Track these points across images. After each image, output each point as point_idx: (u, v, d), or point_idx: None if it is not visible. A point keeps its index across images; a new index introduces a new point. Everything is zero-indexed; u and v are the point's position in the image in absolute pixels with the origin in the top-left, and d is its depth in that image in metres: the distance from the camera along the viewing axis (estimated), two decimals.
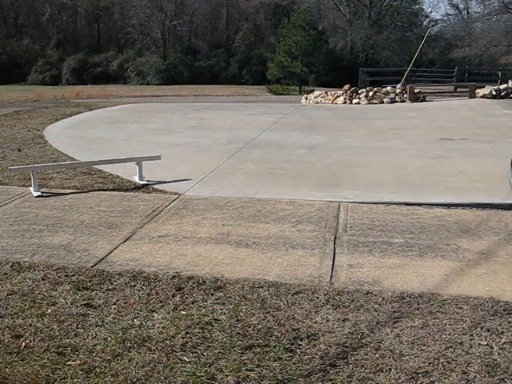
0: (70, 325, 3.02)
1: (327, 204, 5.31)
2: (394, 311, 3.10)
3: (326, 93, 18.78)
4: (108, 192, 5.92)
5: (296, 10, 45.29)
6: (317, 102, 18.69)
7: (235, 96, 26.21)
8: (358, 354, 2.69)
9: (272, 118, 12.62)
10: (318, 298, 3.28)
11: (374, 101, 17.20)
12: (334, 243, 4.22)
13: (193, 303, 3.25)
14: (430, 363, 2.60)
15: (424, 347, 2.73)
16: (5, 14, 60.82)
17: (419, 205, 5.28)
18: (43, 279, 3.63)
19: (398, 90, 17.45)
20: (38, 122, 12.46)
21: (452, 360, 2.62)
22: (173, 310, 3.16)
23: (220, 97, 24.54)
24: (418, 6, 59.30)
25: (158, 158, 6.67)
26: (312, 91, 21.34)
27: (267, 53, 49.51)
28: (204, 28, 61.65)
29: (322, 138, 9.47)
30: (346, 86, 17.94)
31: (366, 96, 17.35)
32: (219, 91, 31.03)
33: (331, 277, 3.60)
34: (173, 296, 3.35)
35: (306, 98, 20.06)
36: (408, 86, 17.50)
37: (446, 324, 2.95)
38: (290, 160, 7.53)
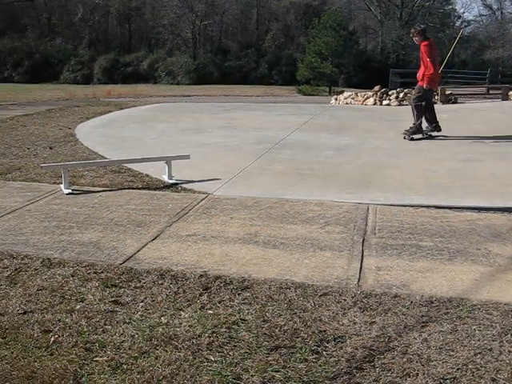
0: (98, 321, 3.05)
1: (356, 206, 5.27)
2: (422, 315, 3.07)
3: (356, 94, 18.66)
4: (137, 190, 5.97)
5: (327, 11, 45.15)
6: (346, 103, 18.58)
7: (264, 96, 26.22)
8: (384, 358, 2.66)
9: (301, 118, 12.58)
10: (345, 300, 3.26)
11: (405, 102, 17.00)
12: (363, 245, 4.19)
13: (220, 303, 3.26)
14: (458, 369, 2.56)
15: (452, 353, 2.70)
16: (38, 14, 61.82)
17: (449, 208, 5.21)
18: (72, 275, 3.68)
19: None
20: (69, 121, 12.63)
21: (481, 366, 2.58)
22: (200, 309, 3.17)
23: (249, 97, 24.57)
24: (450, 7, 58.57)
25: (187, 157, 6.71)
26: (342, 92, 21.23)
27: (297, 53, 49.42)
28: (234, 28, 61.80)
29: (351, 140, 9.41)
30: (377, 88, 17.79)
31: (397, 97, 17.18)
32: (249, 91, 31.06)
33: (359, 279, 3.57)
34: (200, 295, 3.36)
35: (336, 99, 19.95)
36: (439, 88, 17.29)
37: (475, 330, 2.91)
38: (319, 161, 7.50)
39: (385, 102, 17.30)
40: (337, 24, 42.64)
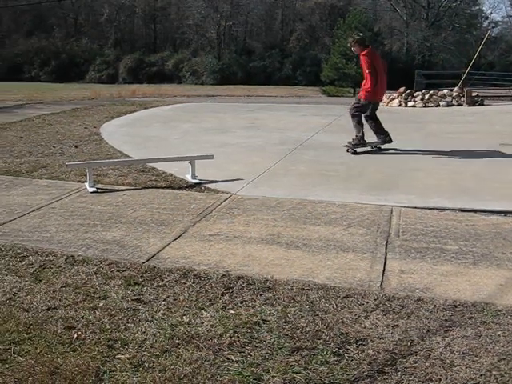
0: (121, 319, 3.08)
1: (379, 208, 5.24)
2: (446, 320, 3.03)
3: None
4: (161, 190, 6.01)
5: (352, 11, 44.91)
6: None
7: (288, 97, 26.17)
8: (407, 362, 2.64)
9: (325, 119, 12.54)
10: (367, 302, 3.24)
11: (430, 104, 16.87)
12: (386, 248, 4.16)
13: (241, 303, 3.26)
14: (481, 375, 2.53)
15: (476, 358, 2.66)
16: (65, 14, 62.53)
17: (475, 211, 5.15)
18: (96, 273, 3.71)
19: (454, 94, 17.07)
20: (94, 120, 12.75)
21: (505, 373, 2.54)
22: (221, 309, 3.18)
23: (273, 97, 24.55)
24: (477, 8, 57.90)
25: (211, 157, 6.72)
26: None
27: (322, 54, 49.26)
28: (259, 28, 61.81)
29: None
30: (402, 89, 17.65)
31: (422, 99, 17.03)
32: (273, 92, 31.05)
33: (382, 282, 3.55)
34: (222, 295, 3.36)
35: None
36: (466, 90, 17.11)
37: (499, 335, 2.87)
38: (343, 162, 7.47)
39: (410, 104, 17.16)
40: (362, 25, 42.38)
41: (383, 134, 8.40)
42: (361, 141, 8.23)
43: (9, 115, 14.03)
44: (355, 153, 8.13)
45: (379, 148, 8.55)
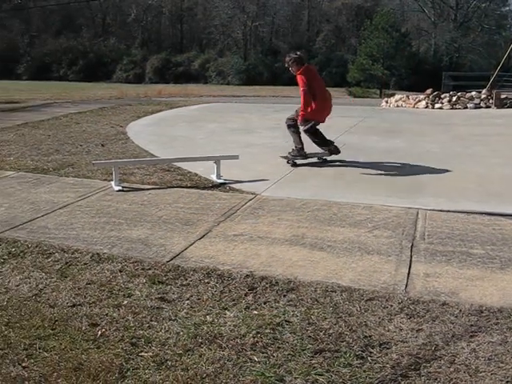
0: (145, 317, 3.09)
1: (405, 210, 5.19)
2: (471, 325, 2.99)
3: (408, 97, 18.39)
4: (186, 189, 6.03)
5: (379, 12, 44.71)
6: (397, 106, 18.34)
7: None
8: (431, 367, 2.61)
9: (351, 120, 12.48)
10: (391, 305, 3.22)
11: (457, 106, 16.67)
12: (411, 251, 4.12)
13: (265, 303, 3.25)
14: (507, 382, 2.49)
15: (502, 364, 2.62)
16: (93, 15, 63.27)
17: (502, 215, 5.07)
18: (120, 271, 3.74)
19: (483, 96, 16.83)
20: (121, 119, 12.85)
21: None
22: (245, 309, 3.18)
23: (299, 98, 24.47)
24: (507, 8, 57.18)
25: (236, 157, 6.73)
26: (393, 95, 20.97)
27: (348, 55, 49.14)
28: (285, 29, 61.81)
29: (401, 143, 9.28)
30: (429, 91, 17.48)
31: (449, 101, 16.84)
32: (298, 92, 31.01)
33: (406, 285, 3.51)
34: (245, 295, 3.37)
35: (387, 102, 19.72)
36: (494, 92, 16.87)
37: None
38: None
39: (437, 106, 16.98)
40: (389, 25, 42.19)
41: (326, 146, 7.64)
42: (300, 152, 7.41)
43: (37, 114, 14.22)
44: (295, 164, 7.34)
45: (325, 160, 7.69)
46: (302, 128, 7.43)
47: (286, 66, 7.42)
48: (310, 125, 7.36)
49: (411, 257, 4.00)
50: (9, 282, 3.59)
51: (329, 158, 7.71)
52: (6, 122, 12.22)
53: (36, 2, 60.27)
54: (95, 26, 63.27)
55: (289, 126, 7.60)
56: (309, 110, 7.18)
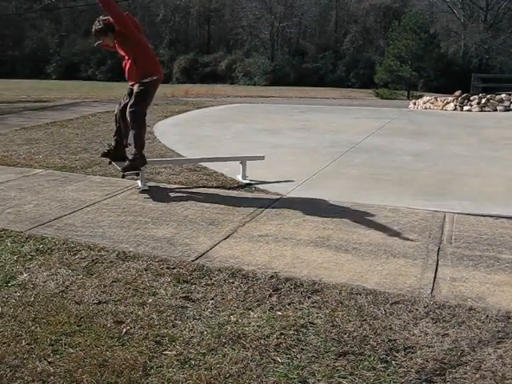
0: (169, 316, 3.11)
1: (432, 214, 5.14)
2: (498, 331, 2.95)
3: (436, 98, 18.21)
4: (212, 189, 6.05)
5: (407, 13, 44.35)
6: (425, 108, 18.17)
7: (341, 99, 26.01)
8: (456, 372, 2.58)
9: (378, 122, 12.40)
10: (417, 309, 3.18)
11: (487, 108, 16.45)
12: (438, 254, 4.08)
13: (289, 305, 3.25)
14: None
15: None
16: None
17: None
18: (146, 270, 3.77)
19: None
20: (147, 118, 12.92)
21: None
22: (269, 310, 3.18)
23: (326, 99, 24.44)
24: None
25: (262, 158, 6.73)
26: (420, 96, 20.79)
27: (375, 56, 48.83)
28: (312, 30, 61.67)
29: (429, 145, 9.19)
30: (457, 92, 17.29)
31: (478, 103, 16.63)
32: (325, 93, 30.95)
33: (432, 289, 3.47)
34: (270, 296, 3.36)
35: (414, 104, 19.55)
36: None
37: None
38: (395, 166, 7.36)
39: (465, 108, 16.78)
40: (417, 27, 41.80)
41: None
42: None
43: (66, 113, 14.41)
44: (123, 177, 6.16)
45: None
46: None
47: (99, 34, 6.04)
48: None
49: (438, 261, 3.96)
50: (36, 278, 3.64)
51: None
52: (35, 120, 12.41)
53: (66, 2, 61.11)
54: None
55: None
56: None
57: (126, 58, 5.91)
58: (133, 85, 5.95)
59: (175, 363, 2.65)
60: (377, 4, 56.14)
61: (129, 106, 5.84)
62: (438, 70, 42.17)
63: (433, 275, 3.69)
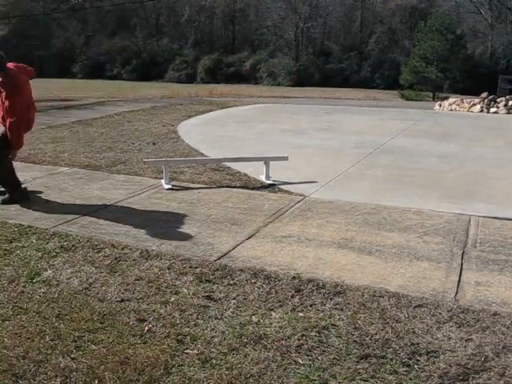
0: (191, 315, 3.12)
1: (457, 217, 5.08)
2: None
3: (462, 100, 18.00)
4: (235, 189, 6.06)
5: (433, 13, 43.85)
6: (451, 110, 17.97)
7: (366, 100, 25.84)
8: (479, 378, 2.54)
9: (403, 123, 12.30)
10: (440, 313, 3.15)
11: None
12: (462, 258, 4.03)
13: (311, 306, 3.24)
14: None
15: None
16: (147, 15, 64.23)
17: None
18: (169, 268, 3.79)
19: None
20: (172, 118, 13.01)
21: None
22: (291, 311, 3.17)
23: (350, 100, 24.29)
24: None
25: (286, 158, 6.71)
26: (446, 98, 20.57)
27: (401, 57, 48.40)
28: (337, 30, 61.34)
29: (454, 147, 9.09)
30: (484, 94, 17.06)
31: (505, 105, 16.40)
32: (349, 94, 30.78)
33: (456, 293, 3.44)
34: (292, 297, 3.35)
35: (440, 105, 19.35)
36: None
37: None
38: (420, 168, 7.29)
39: (492, 110, 16.56)
40: (444, 27, 41.31)
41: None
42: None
43: (91, 112, 14.55)
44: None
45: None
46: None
47: None
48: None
49: (462, 264, 3.91)
50: (60, 275, 3.68)
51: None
52: (61, 119, 12.56)
53: (92, 2, 61.71)
54: (149, 27, 64.16)
55: None
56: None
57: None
58: None
59: (196, 362, 2.66)
60: (403, 4, 55.61)
61: None
62: (464, 71, 41.62)
63: (457, 279, 3.65)
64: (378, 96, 33.13)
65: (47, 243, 4.26)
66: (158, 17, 65.12)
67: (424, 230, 4.68)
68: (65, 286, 3.50)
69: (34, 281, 3.59)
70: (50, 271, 3.74)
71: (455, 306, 3.24)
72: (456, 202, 5.61)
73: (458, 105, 17.89)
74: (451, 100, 18.77)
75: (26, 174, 6.56)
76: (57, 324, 3.01)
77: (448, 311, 3.17)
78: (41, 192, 5.84)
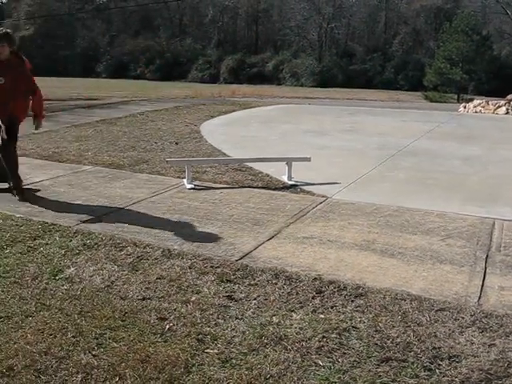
0: (212, 314, 3.13)
1: (481, 220, 5.02)
2: None
3: (487, 102, 17.79)
4: (257, 189, 6.05)
5: (459, 14, 43.44)
6: (476, 112, 17.77)
7: (389, 101, 25.67)
8: None
9: (426, 125, 12.19)
10: (463, 318, 3.11)
11: None
12: (486, 262, 3.98)
13: (332, 308, 3.22)
14: None
15: None
16: (171, 15, 64.69)
17: None
18: (190, 268, 3.80)
19: None
20: (195, 118, 13.05)
21: None
22: (311, 312, 3.16)
23: (373, 101, 24.16)
24: None
25: (308, 159, 6.69)
26: (471, 100, 20.34)
27: (425, 58, 48.05)
28: (361, 31, 61.12)
29: (479, 150, 8.98)
30: (510, 96, 16.86)
31: None
32: (373, 96, 30.61)
33: (479, 297, 3.39)
34: (313, 298, 3.34)
35: (465, 107, 19.14)
36: None
37: None
38: (444, 170, 7.22)
39: None
40: (469, 28, 40.92)
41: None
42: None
43: (115, 111, 14.65)
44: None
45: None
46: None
47: None
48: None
49: (485, 268, 3.87)
50: (83, 272, 3.72)
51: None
52: (85, 118, 12.67)
53: (117, 3, 62.29)
54: (172, 27, 64.58)
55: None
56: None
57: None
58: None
59: (216, 362, 2.67)
60: (428, 5, 55.20)
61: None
62: (489, 72, 41.17)
63: (480, 283, 3.61)
64: (402, 97, 32.93)
65: (70, 241, 4.31)
66: (181, 17, 65.51)
67: (447, 232, 4.63)
68: (87, 284, 3.54)
69: (57, 278, 3.63)
70: (72, 268, 3.78)
71: (478, 311, 3.20)
72: (480, 205, 5.54)
73: (483, 107, 17.68)
74: (476, 102, 18.56)
75: (50, 171, 6.64)
76: (79, 321, 3.04)
77: (471, 315, 3.14)
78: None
